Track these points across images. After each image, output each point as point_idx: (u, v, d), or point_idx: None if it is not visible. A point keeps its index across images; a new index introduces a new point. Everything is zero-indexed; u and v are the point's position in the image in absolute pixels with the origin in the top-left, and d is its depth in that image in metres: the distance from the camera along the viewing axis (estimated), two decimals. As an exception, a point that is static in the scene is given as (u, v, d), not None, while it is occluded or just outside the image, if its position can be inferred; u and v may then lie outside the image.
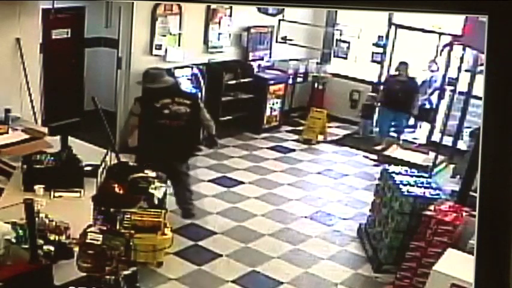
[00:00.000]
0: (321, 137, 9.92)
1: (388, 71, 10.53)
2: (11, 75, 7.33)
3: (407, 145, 9.27)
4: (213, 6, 9.10)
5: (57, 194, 5.65)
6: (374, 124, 10.38)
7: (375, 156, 9.17)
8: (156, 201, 5.44)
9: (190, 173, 6.80)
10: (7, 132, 6.75)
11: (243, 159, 8.97)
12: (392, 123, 9.89)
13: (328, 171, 8.82)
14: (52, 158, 5.95)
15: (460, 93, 8.14)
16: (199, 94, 8.70)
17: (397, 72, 9.91)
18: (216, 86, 9.34)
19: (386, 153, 8.21)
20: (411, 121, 10.25)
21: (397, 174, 6.51)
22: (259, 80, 10.06)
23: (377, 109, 10.25)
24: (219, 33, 9.52)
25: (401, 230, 6.02)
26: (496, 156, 1.99)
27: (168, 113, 6.20)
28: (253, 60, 10.17)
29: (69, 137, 6.16)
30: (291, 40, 10.34)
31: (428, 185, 6.29)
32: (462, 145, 7.98)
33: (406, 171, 6.67)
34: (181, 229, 6.56)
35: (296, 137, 10.10)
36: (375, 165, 8.72)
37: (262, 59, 10.33)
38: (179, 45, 8.90)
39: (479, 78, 7.43)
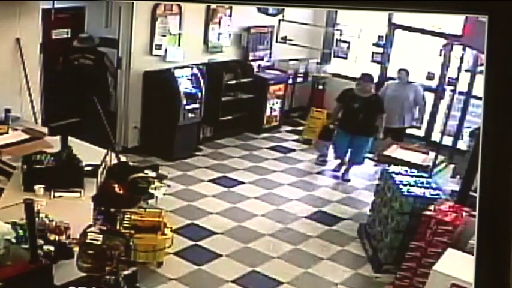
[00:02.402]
0: (321, 137, 9.89)
1: (386, 74, 10.51)
2: (11, 75, 7.32)
3: (407, 145, 9.26)
4: (213, 6, 9.10)
5: (57, 194, 5.65)
6: (333, 147, 8.87)
7: (375, 156, 9.16)
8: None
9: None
10: (7, 132, 6.75)
11: (243, 159, 8.97)
12: (349, 150, 8.53)
13: (328, 171, 8.83)
14: (52, 158, 5.96)
15: (460, 93, 8.13)
16: (199, 94, 8.70)
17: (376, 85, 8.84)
18: (216, 86, 9.33)
19: (386, 153, 8.19)
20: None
21: (397, 174, 6.51)
22: (259, 80, 10.05)
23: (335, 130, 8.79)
24: (219, 33, 9.52)
25: (401, 230, 6.02)
26: (496, 156, 1.99)
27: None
28: (253, 60, 10.16)
29: (69, 137, 6.16)
30: (291, 40, 10.34)
31: (428, 185, 6.29)
32: (462, 145, 7.98)
33: (406, 171, 6.67)
34: (181, 229, 6.57)
35: (296, 137, 10.10)
36: (375, 165, 8.72)
37: (262, 59, 10.32)
38: (179, 45, 8.90)
39: (479, 78, 7.43)
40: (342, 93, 8.64)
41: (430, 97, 9.99)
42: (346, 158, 8.64)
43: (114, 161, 5.76)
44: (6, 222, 4.71)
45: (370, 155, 8.74)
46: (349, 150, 8.50)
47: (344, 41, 10.87)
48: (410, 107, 9.10)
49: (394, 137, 8.88)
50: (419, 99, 9.15)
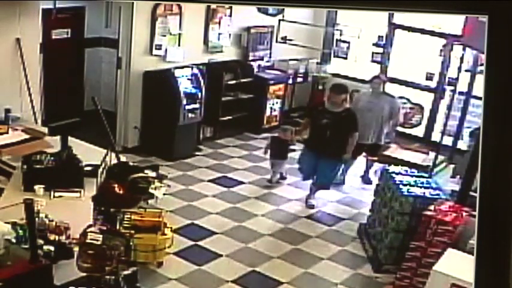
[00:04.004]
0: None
1: (386, 74, 10.49)
2: (11, 75, 7.33)
3: (407, 145, 9.25)
4: (213, 6, 9.10)
5: (57, 194, 5.66)
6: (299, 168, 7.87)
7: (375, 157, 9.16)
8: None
9: None
10: (7, 132, 6.76)
11: (243, 159, 8.97)
12: (316, 171, 7.50)
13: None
14: (52, 158, 5.96)
15: (460, 93, 8.13)
16: (199, 94, 8.71)
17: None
18: (216, 86, 9.34)
19: (386, 153, 8.18)
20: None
21: (397, 174, 6.51)
22: (259, 80, 10.06)
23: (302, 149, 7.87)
24: (219, 33, 9.52)
25: (401, 230, 6.02)
26: (496, 156, 1.99)
27: None
28: (253, 60, 10.16)
29: (69, 137, 6.16)
30: (291, 40, 10.33)
31: (428, 185, 6.29)
32: (462, 145, 7.97)
33: (406, 171, 6.67)
34: (181, 229, 6.57)
35: (296, 137, 10.09)
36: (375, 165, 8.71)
37: (262, 59, 10.32)
38: (179, 45, 8.90)
39: (479, 78, 7.43)
40: (311, 107, 7.98)
41: (430, 97, 10.02)
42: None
43: (114, 161, 5.76)
44: (6, 222, 4.71)
45: (341, 178, 8.03)
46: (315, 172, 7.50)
47: (344, 41, 10.86)
48: (387, 121, 8.05)
49: (369, 154, 8.07)
50: (395, 112, 8.11)
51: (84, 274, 4.65)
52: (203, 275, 5.89)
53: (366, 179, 8.39)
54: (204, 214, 7.09)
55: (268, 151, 8.23)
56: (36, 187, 5.63)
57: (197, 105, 8.73)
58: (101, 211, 4.92)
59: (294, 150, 8.25)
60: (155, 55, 8.70)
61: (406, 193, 6.04)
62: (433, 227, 5.52)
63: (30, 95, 7.48)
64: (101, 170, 5.55)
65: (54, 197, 5.61)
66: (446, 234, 5.46)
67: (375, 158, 8.26)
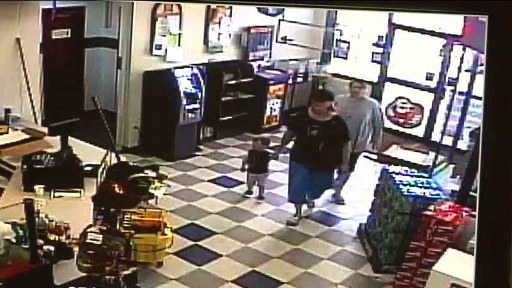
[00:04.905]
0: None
1: (386, 74, 10.49)
2: (11, 75, 7.33)
3: (407, 145, 9.25)
4: (213, 6, 9.10)
5: (57, 194, 5.66)
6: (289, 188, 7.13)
7: (375, 156, 9.16)
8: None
9: None
10: (7, 132, 6.77)
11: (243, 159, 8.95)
12: (308, 188, 6.96)
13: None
14: (52, 158, 5.97)
15: (460, 93, 8.13)
16: (199, 94, 8.71)
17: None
18: (216, 86, 9.33)
19: (386, 153, 8.18)
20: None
21: (397, 174, 6.51)
22: (259, 80, 10.05)
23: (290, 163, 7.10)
24: (219, 33, 9.52)
25: (401, 230, 6.01)
26: (496, 156, 1.99)
27: None
28: (253, 60, 10.16)
29: (69, 137, 6.16)
30: (291, 40, 10.33)
31: (428, 185, 6.28)
32: (462, 145, 7.97)
33: (406, 171, 6.67)
34: (181, 229, 6.57)
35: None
36: (375, 165, 8.71)
37: (262, 59, 10.32)
38: (179, 45, 8.90)
39: (479, 78, 7.43)
40: (295, 119, 7.22)
41: (430, 97, 10.01)
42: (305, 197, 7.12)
43: (114, 161, 5.76)
44: (6, 222, 4.72)
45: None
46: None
47: (344, 41, 10.86)
48: (368, 128, 7.49)
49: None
50: (378, 119, 7.58)
51: (84, 274, 4.66)
52: (203, 275, 5.89)
53: (338, 199, 7.65)
54: (204, 214, 7.09)
55: (246, 166, 7.59)
56: (36, 187, 5.63)
57: (197, 105, 8.73)
58: (101, 211, 4.93)
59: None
60: (155, 55, 8.70)
61: (406, 193, 6.03)
62: (433, 227, 5.51)
63: (30, 95, 7.48)
64: (101, 170, 5.56)
65: (54, 197, 5.62)
66: (446, 234, 5.45)
67: (375, 158, 8.26)
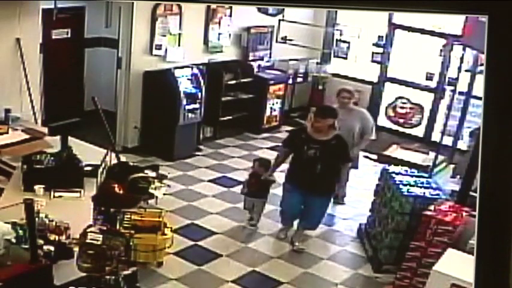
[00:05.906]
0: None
1: (386, 74, 10.49)
2: (11, 75, 7.33)
3: (407, 145, 9.26)
4: (213, 6, 9.10)
5: (57, 194, 5.67)
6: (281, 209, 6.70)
7: (375, 156, 9.17)
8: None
9: None
10: (7, 132, 6.76)
11: (243, 159, 8.96)
12: (302, 212, 6.44)
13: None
14: (52, 158, 5.97)
15: (460, 93, 8.13)
16: (199, 94, 8.71)
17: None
18: (216, 86, 9.33)
19: (386, 153, 8.18)
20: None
21: (397, 174, 6.50)
22: (259, 80, 10.05)
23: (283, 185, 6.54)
24: (219, 33, 9.52)
25: (401, 230, 6.01)
26: (496, 156, 1.99)
27: None
28: (253, 60, 10.16)
29: (69, 137, 6.17)
30: (291, 40, 10.33)
31: (428, 185, 6.28)
32: (462, 145, 7.98)
33: (406, 171, 6.66)
34: (181, 229, 6.56)
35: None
36: (375, 165, 8.71)
37: (262, 59, 10.32)
38: (179, 45, 8.90)
39: (479, 78, 7.43)
40: (291, 135, 6.64)
41: (430, 97, 10.02)
42: (296, 222, 6.60)
43: (114, 161, 5.77)
44: (6, 222, 4.72)
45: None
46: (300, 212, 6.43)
47: (344, 41, 10.86)
48: (358, 139, 7.07)
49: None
50: (368, 129, 7.12)
51: (84, 274, 4.66)
52: (203, 275, 5.89)
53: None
54: (204, 214, 7.09)
55: (246, 189, 6.91)
56: (36, 187, 5.63)
57: (197, 105, 8.73)
58: (101, 211, 4.93)
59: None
60: (155, 55, 8.70)
61: (406, 193, 6.03)
62: (433, 227, 5.51)
63: (30, 95, 7.48)
64: (101, 170, 5.56)
65: (54, 197, 5.62)
66: (446, 234, 5.45)
67: (375, 158, 8.26)
